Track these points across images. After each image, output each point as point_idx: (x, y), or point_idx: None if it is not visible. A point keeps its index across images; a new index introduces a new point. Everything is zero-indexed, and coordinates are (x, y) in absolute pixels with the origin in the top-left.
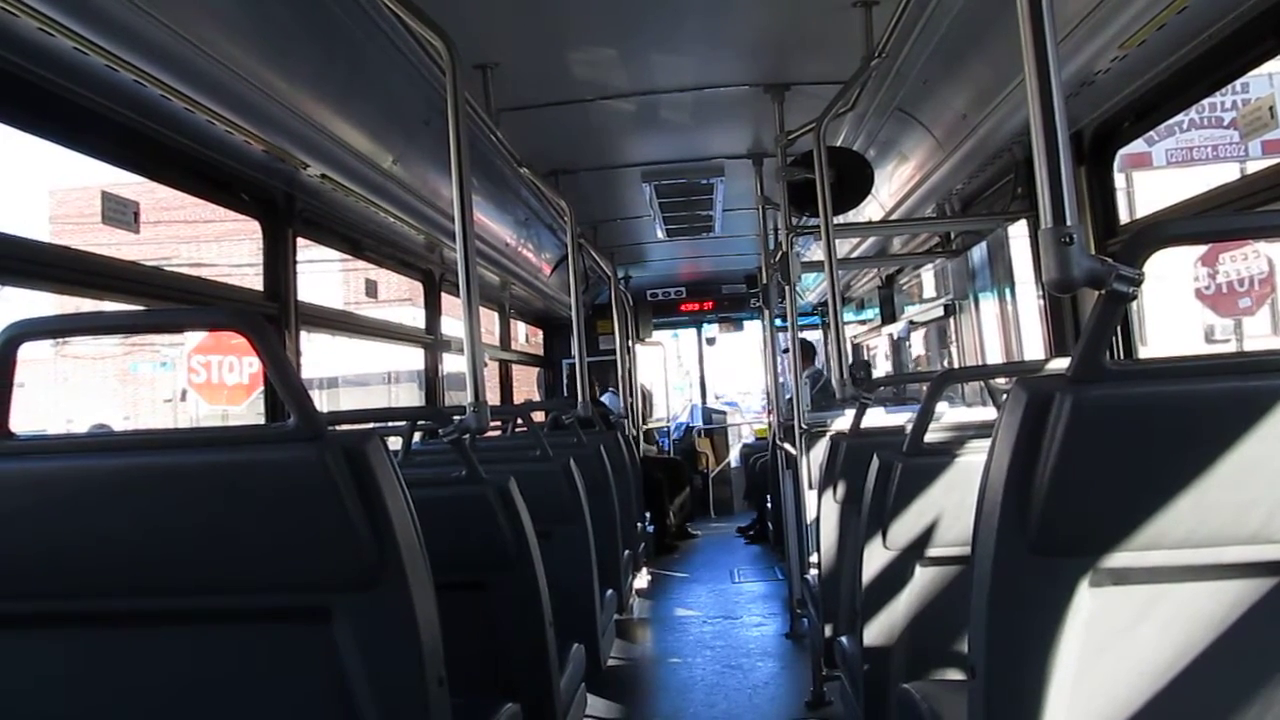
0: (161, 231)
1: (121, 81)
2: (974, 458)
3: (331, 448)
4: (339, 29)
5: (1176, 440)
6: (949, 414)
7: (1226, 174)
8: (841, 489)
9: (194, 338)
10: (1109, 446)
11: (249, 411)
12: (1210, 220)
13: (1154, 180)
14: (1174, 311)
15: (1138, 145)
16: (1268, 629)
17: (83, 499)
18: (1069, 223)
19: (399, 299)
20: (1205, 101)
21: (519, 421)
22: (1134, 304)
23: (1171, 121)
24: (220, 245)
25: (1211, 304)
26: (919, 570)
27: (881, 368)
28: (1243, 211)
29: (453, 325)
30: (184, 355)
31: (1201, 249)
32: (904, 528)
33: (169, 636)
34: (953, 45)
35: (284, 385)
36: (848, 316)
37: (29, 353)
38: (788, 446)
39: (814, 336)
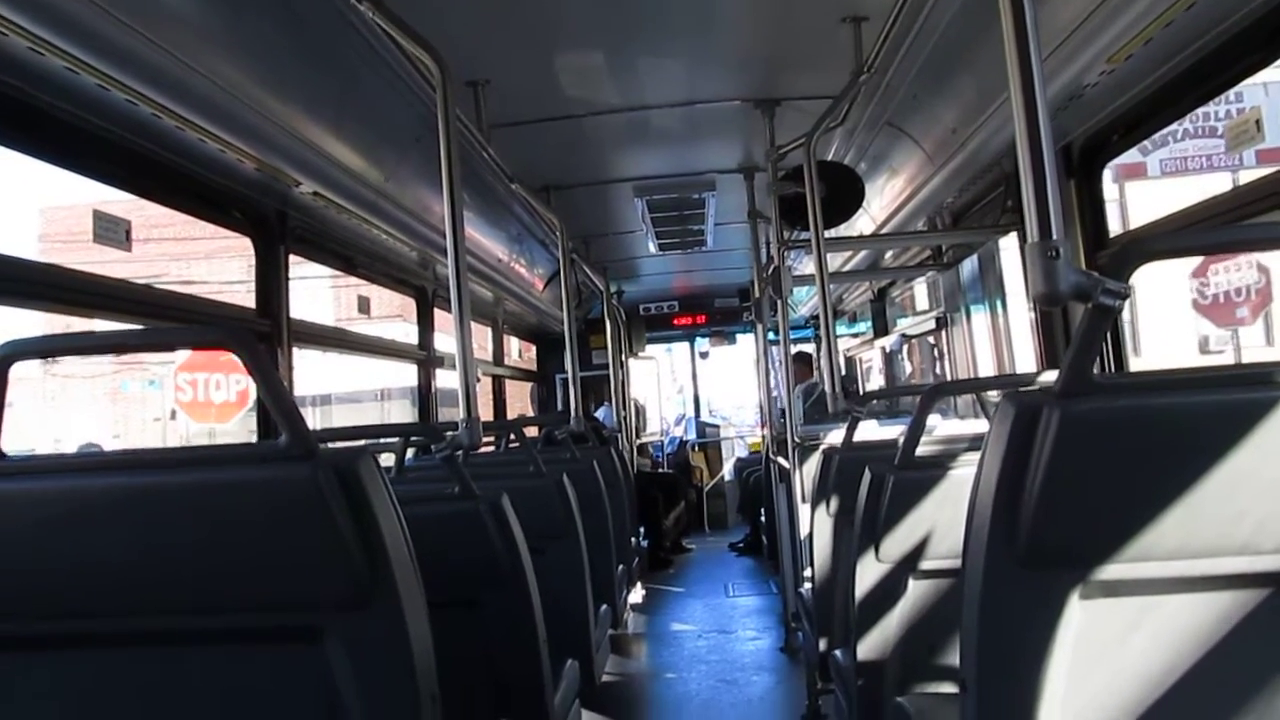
0: (153, 249)
1: (113, 101)
2: (966, 470)
3: (323, 466)
4: (330, 47)
5: (1165, 452)
6: (941, 427)
7: (1220, 183)
8: (834, 502)
9: (181, 355)
10: (1097, 459)
11: (237, 429)
12: (1195, 235)
13: (1149, 190)
14: (1170, 322)
15: (1132, 155)
16: (1259, 640)
17: (72, 519)
18: (1055, 236)
19: (391, 315)
20: (1199, 111)
21: (512, 437)
22: (1125, 316)
23: (1165, 131)
24: (212, 263)
25: (1208, 314)
26: (912, 583)
27: (874, 380)
28: (1228, 225)
29: (445, 341)
30: (172, 373)
31: (1194, 262)
32: (897, 541)
33: (160, 657)
34: (941, 60)
35: (275, 403)
36: (840, 330)
37: (17, 371)
38: (781, 460)
39: (810, 349)
